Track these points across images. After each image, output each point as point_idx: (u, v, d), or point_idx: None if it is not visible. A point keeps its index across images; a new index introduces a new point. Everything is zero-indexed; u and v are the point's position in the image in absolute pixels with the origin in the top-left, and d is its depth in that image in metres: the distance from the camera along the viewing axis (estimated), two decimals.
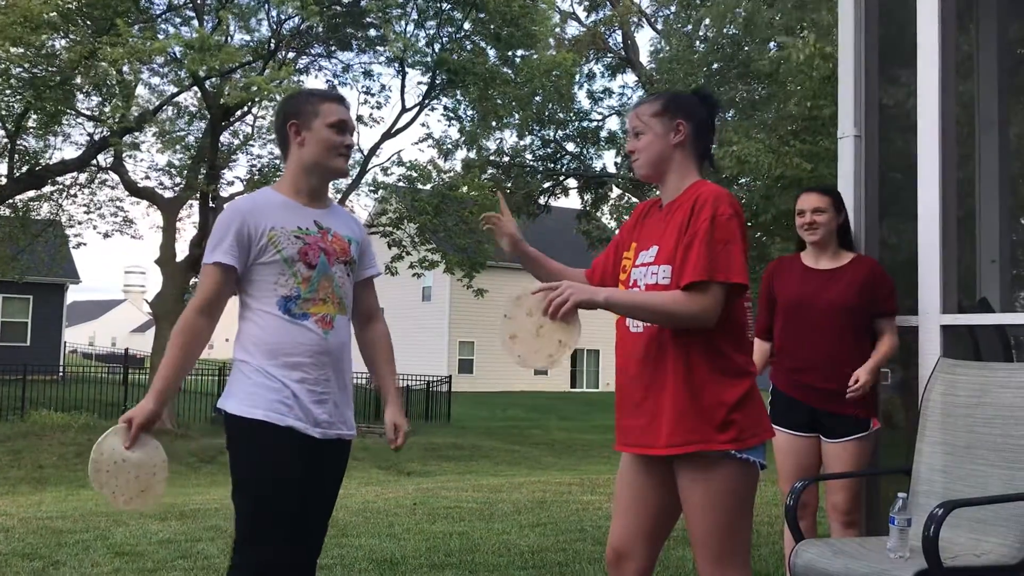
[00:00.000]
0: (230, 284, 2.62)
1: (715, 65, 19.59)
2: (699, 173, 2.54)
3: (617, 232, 2.71)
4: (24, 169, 18.27)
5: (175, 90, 19.16)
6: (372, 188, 21.26)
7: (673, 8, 23.54)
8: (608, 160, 28.48)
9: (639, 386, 2.43)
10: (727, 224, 2.34)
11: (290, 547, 2.52)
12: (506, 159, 24.92)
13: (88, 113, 18.74)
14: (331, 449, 2.62)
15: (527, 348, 2.34)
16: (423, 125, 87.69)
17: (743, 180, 16.20)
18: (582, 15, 27.92)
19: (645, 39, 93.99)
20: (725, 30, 19.45)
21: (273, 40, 19.46)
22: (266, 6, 18.62)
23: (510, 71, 20.87)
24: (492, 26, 19.87)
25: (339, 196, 21.03)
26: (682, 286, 2.34)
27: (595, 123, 26.48)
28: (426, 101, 21.29)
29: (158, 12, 18.72)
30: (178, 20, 19.22)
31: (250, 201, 2.69)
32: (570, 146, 25.99)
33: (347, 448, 2.72)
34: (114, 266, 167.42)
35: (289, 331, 2.56)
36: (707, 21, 20.35)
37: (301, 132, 2.65)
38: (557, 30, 25.09)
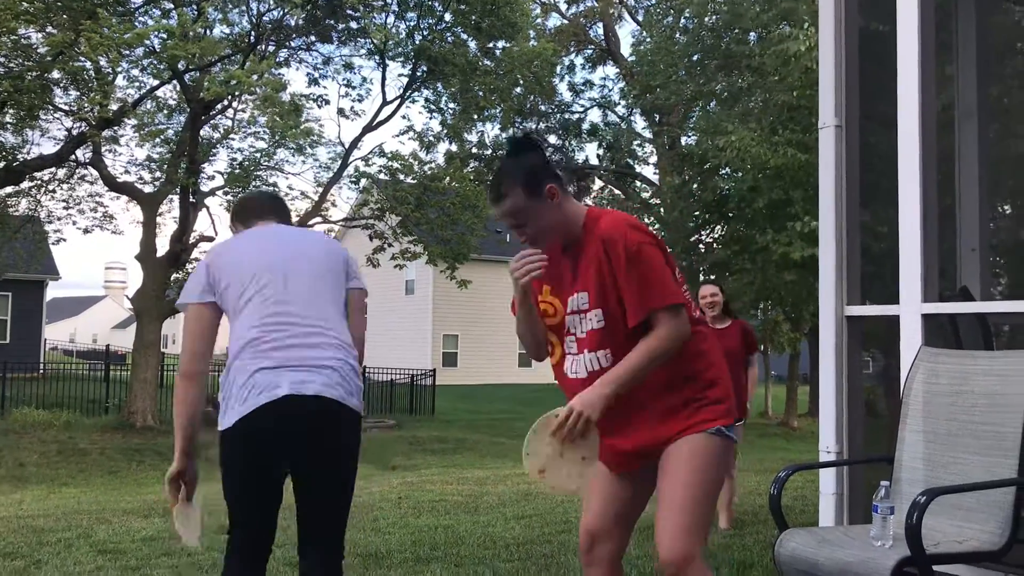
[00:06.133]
0: None
1: (695, 56, 19.63)
2: (575, 200, 2.58)
3: None
4: (1, 165, 18.07)
5: (155, 83, 19.00)
6: (354, 179, 21.20)
7: (654, 0, 23.54)
8: (590, 152, 28.52)
9: (606, 418, 2.43)
10: (638, 255, 2.39)
11: None
12: (488, 151, 24.89)
13: (66, 108, 18.56)
14: None
15: (556, 476, 2.41)
16: (404, 118, 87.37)
17: (724, 171, 16.23)
18: (563, 7, 27.91)
19: (626, 31, 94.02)
20: (706, 20, 19.47)
21: (253, 33, 19.32)
22: None
23: (490, 63, 20.83)
24: (473, 17, 19.81)
25: (320, 189, 20.96)
26: (631, 328, 2.41)
27: (576, 115, 26.51)
28: (407, 93, 21.22)
29: (136, 5, 18.53)
30: (157, 12, 19.05)
31: None
32: (552, 138, 25.98)
33: None
34: (94, 262, 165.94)
35: None
36: (687, 12, 20.36)
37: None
38: (538, 22, 25.07)
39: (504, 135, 24.74)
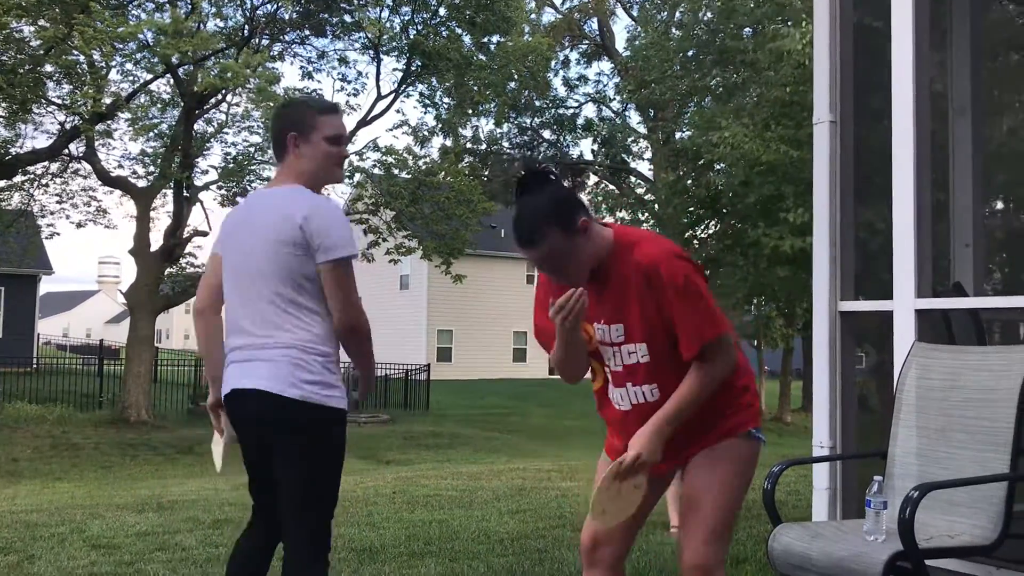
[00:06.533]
0: None
1: (690, 52, 19.63)
2: (599, 224, 2.45)
3: (538, 294, 2.57)
4: None
5: (148, 77, 18.96)
6: (348, 174, 21.19)
7: None
8: (585, 147, 28.61)
9: None
10: (686, 286, 2.32)
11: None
12: (483, 146, 24.87)
13: (59, 102, 18.50)
14: None
15: (616, 512, 2.39)
16: (398, 112, 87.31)
17: (720, 167, 16.24)
18: (558, 2, 27.90)
19: (621, 26, 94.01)
20: (700, 15, 19.47)
21: (247, 26, 19.26)
22: None
23: (485, 57, 20.82)
24: (467, 11, 19.79)
25: None
26: (687, 360, 2.37)
27: (571, 110, 26.48)
28: (401, 88, 21.19)
29: None
30: (151, 6, 19.00)
31: None
32: (547, 133, 25.98)
33: None
34: (88, 256, 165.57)
35: (332, 331, 2.67)
36: (682, 7, 20.36)
37: (299, 144, 2.71)
38: (532, 17, 25.06)
39: (497, 129, 24.73)
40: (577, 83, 27.20)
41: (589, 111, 29.88)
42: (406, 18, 20.48)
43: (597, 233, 2.38)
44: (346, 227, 2.62)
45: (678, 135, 22.91)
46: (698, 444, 2.46)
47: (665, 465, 2.48)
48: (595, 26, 28.49)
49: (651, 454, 2.33)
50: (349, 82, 21.31)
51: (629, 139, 26.37)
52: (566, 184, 2.51)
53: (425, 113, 25.83)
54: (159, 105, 20.07)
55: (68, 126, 18.70)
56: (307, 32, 20.41)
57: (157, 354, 20.48)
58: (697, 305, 2.33)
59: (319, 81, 36.19)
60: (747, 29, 17.69)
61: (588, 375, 2.60)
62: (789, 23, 14.51)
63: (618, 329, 2.42)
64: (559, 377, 2.63)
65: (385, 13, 20.27)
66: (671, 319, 2.34)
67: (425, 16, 20.38)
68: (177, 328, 71.83)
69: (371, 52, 20.70)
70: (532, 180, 2.36)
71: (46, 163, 19.73)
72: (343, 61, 21.11)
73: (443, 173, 21.00)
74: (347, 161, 17.27)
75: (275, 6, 19.08)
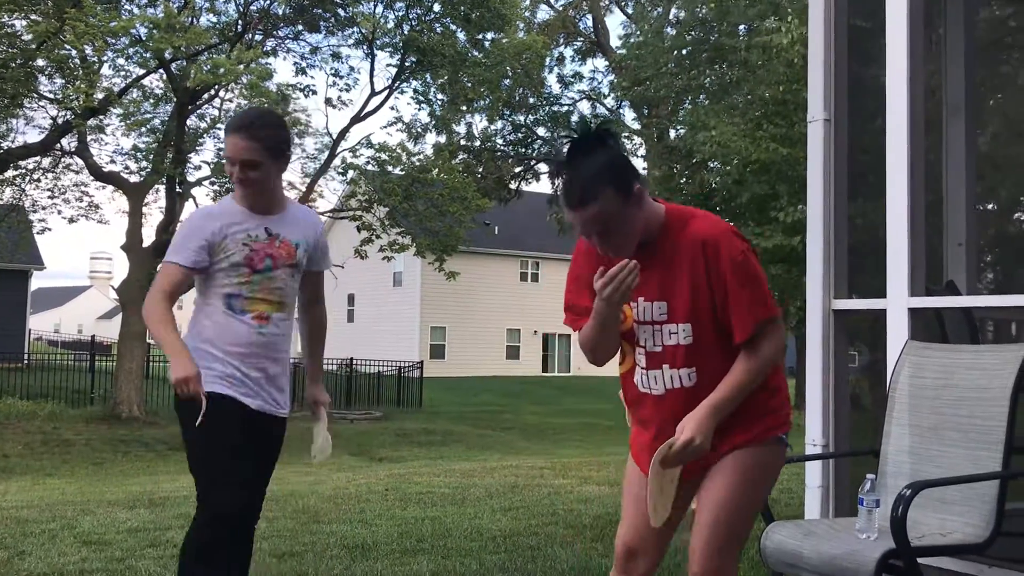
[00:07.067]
0: (187, 281, 2.95)
1: (684, 50, 19.64)
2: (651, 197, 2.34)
3: (573, 269, 2.46)
4: None
5: (141, 72, 18.89)
6: (341, 171, 21.15)
7: None
8: None
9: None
10: (744, 264, 2.25)
11: (236, 499, 2.91)
12: (477, 143, 24.85)
13: (51, 96, 18.43)
14: (265, 422, 2.99)
15: (663, 507, 2.30)
16: (392, 108, 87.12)
17: (713, 164, 16.28)
18: None
19: (615, 23, 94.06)
20: (696, 10, 19.48)
21: (240, 21, 19.20)
22: None
23: (479, 54, 20.80)
24: (462, 8, 19.77)
25: (308, 180, 20.94)
26: (738, 343, 2.27)
27: (566, 107, 26.48)
28: (395, 84, 21.15)
29: None
30: (144, 1, 18.92)
31: (217, 208, 3.03)
32: (541, 130, 25.97)
33: (283, 424, 3.08)
34: (80, 252, 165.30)
35: (230, 324, 2.92)
36: (677, 3, 20.38)
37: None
38: (527, 14, 25.05)
39: (491, 126, 24.65)
40: (571, 80, 27.26)
41: (583, 108, 29.92)
42: (400, 14, 20.45)
43: (650, 204, 2.28)
44: (179, 235, 2.94)
45: (672, 132, 22.94)
46: (725, 447, 2.31)
47: (695, 465, 2.33)
48: (590, 23, 28.49)
49: (705, 439, 2.20)
50: (342, 77, 21.26)
51: (623, 136, 26.39)
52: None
53: (419, 109, 25.80)
54: (152, 100, 20.02)
55: (60, 121, 18.61)
56: (301, 27, 20.35)
57: (149, 350, 20.39)
58: (753, 283, 2.25)
59: (312, 76, 36.42)
60: (742, 27, 17.72)
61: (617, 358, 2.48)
62: (780, 19, 14.53)
63: (661, 307, 2.31)
64: (587, 361, 2.46)
65: (379, 8, 20.25)
66: (724, 297, 2.25)
67: (419, 12, 20.35)
68: None
69: (365, 48, 20.67)
70: (588, 141, 2.24)
71: (38, 158, 19.65)
72: (336, 56, 21.06)
73: (437, 170, 20.98)
74: (340, 158, 16.87)
75: (268, 1, 19.03)
